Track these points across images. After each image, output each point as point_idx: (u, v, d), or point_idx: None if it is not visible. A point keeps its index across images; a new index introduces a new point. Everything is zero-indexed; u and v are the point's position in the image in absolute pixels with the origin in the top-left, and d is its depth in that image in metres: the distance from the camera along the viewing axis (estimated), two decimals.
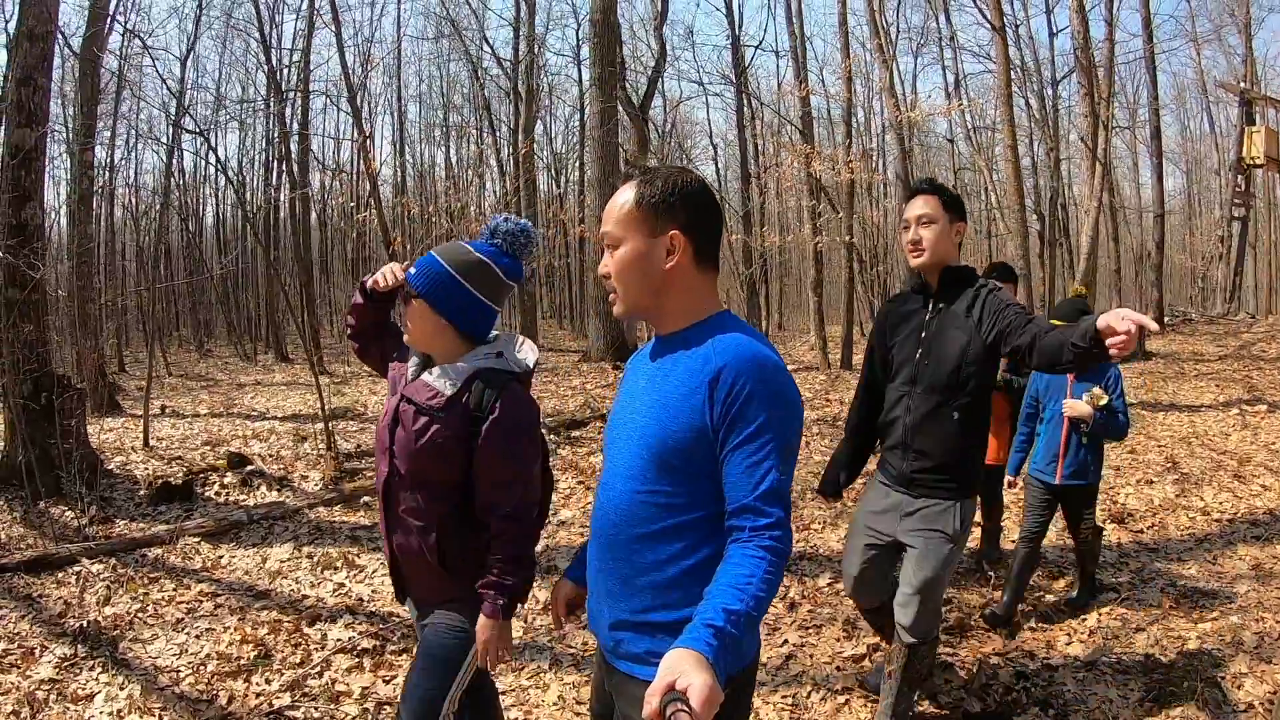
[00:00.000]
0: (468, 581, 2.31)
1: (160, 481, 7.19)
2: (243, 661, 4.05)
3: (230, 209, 32.78)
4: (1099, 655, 3.87)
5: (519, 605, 2.36)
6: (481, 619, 2.28)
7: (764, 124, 26.00)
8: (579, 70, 29.50)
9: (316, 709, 3.62)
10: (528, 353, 2.42)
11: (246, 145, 31.50)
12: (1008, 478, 4.62)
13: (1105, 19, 14.60)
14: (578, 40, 26.68)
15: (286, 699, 3.70)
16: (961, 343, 3.04)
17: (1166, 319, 20.31)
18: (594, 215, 15.71)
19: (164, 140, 28.85)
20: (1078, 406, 4.10)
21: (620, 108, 16.82)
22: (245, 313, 29.98)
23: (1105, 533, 5.07)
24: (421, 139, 35.75)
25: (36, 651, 4.23)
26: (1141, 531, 5.65)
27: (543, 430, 2.52)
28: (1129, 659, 3.84)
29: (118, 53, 19.23)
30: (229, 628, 4.44)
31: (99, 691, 3.82)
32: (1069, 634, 4.15)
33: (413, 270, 2.32)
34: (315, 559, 5.51)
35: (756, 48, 23.34)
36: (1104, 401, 4.06)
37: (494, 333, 2.46)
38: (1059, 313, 4.45)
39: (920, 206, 3.20)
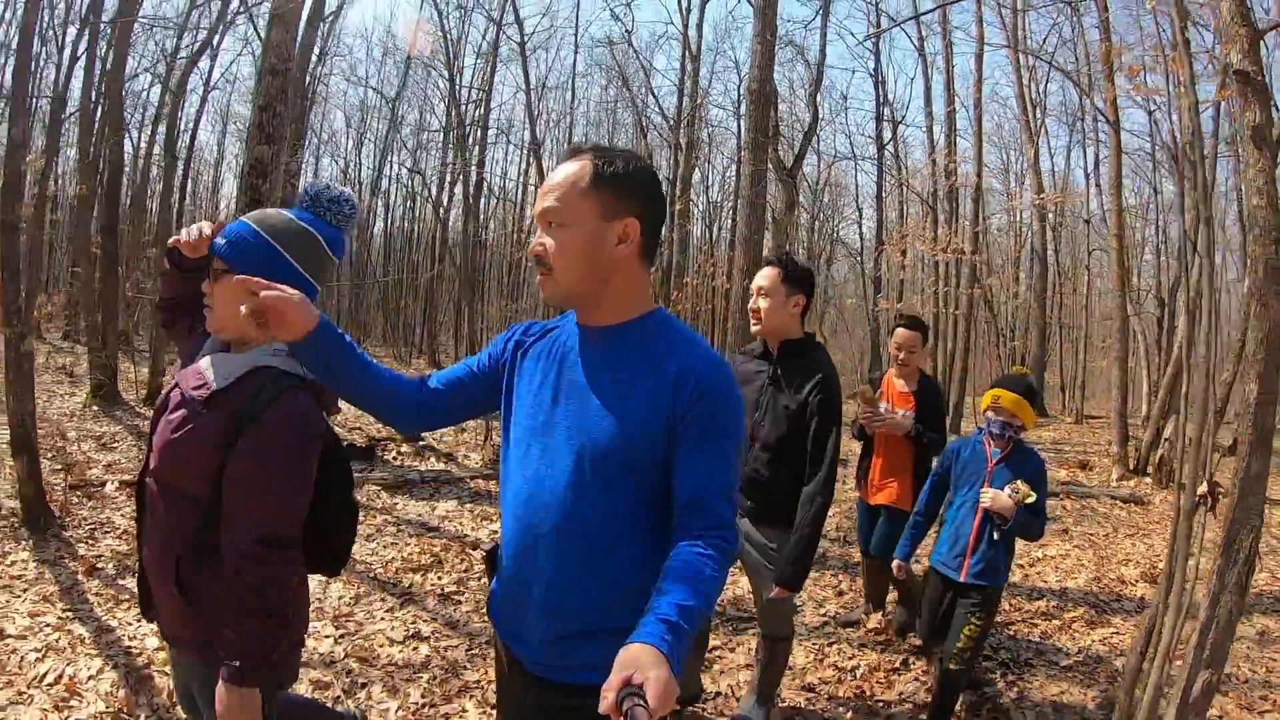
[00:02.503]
0: (212, 622, 1.94)
1: (346, 443, 8.89)
2: (421, 562, 5.53)
3: (396, 221, 35.66)
4: None
5: (272, 673, 1.95)
6: (221, 686, 1.87)
7: (908, 190, 26.88)
8: (737, 124, 30.98)
9: (476, 597, 4.99)
10: None
11: (419, 164, 34.25)
12: (895, 562, 4.09)
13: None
14: (738, 95, 28.05)
15: (453, 588, 5.13)
16: (793, 413, 3.37)
17: None
18: (741, 269, 16.82)
19: (343, 153, 32.32)
20: (999, 499, 3.59)
21: (771, 170, 18.10)
22: (404, 319, 32.48)
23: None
24: None
25: None
26: None
27: (344, 457, 2.24)
28: None
29: (313, 73, 21.78)
30: (409, 543, 5.95)
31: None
32: None
33: (222, 242, 1.98)
34: (475, 513, 6.96)
35: (898, 124, 23.96)
36: (1031, 500, 3.57)
37: None
38: (1001, 382, 3.91)
39: (760, 278, 3.49)
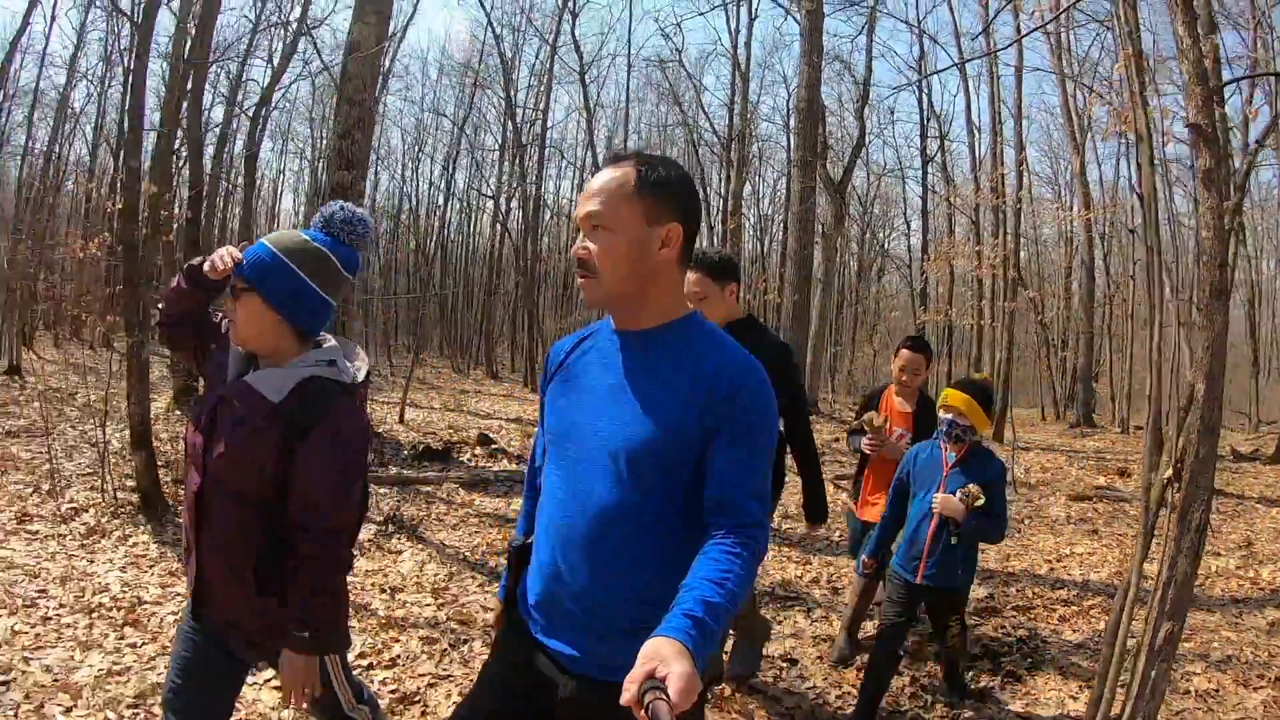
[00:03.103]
0: (277, 611, 2.17)
1: (422, 445, 9.64)
2: (502, 547, 6.15)
3: (452, 236, 36.68)
4: None
5: (335, 642, 2.23)
6: (286, 654, 2.14)
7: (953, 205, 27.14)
8: (787, 137, 31.45)
9: None
10: (360, 364, 2.31)
11: (475, 181, 35.18)
12: (862, 558, 4.08)
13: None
14: (787, 109, 28.52)
15: None
16: None
17: None
18: (791, 284, 17.27)
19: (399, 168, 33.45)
20: (950, 503, 3.66)
21: (820, 184, 18.62)
22: (462, 332, 33.44)
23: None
24: None
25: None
26: None
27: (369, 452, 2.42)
28: None
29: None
30: (490, 532, 6.62)
31: (404, 550, 6.07)
32: None
33: (243, 262, 2.16)
34: None
35: (943, 137, 24.23)
36: (980, 502, 3.62)
37: (329, 340, 2.33)
38: (955, 383, 4.04)
39: (691, 285, 3.57)
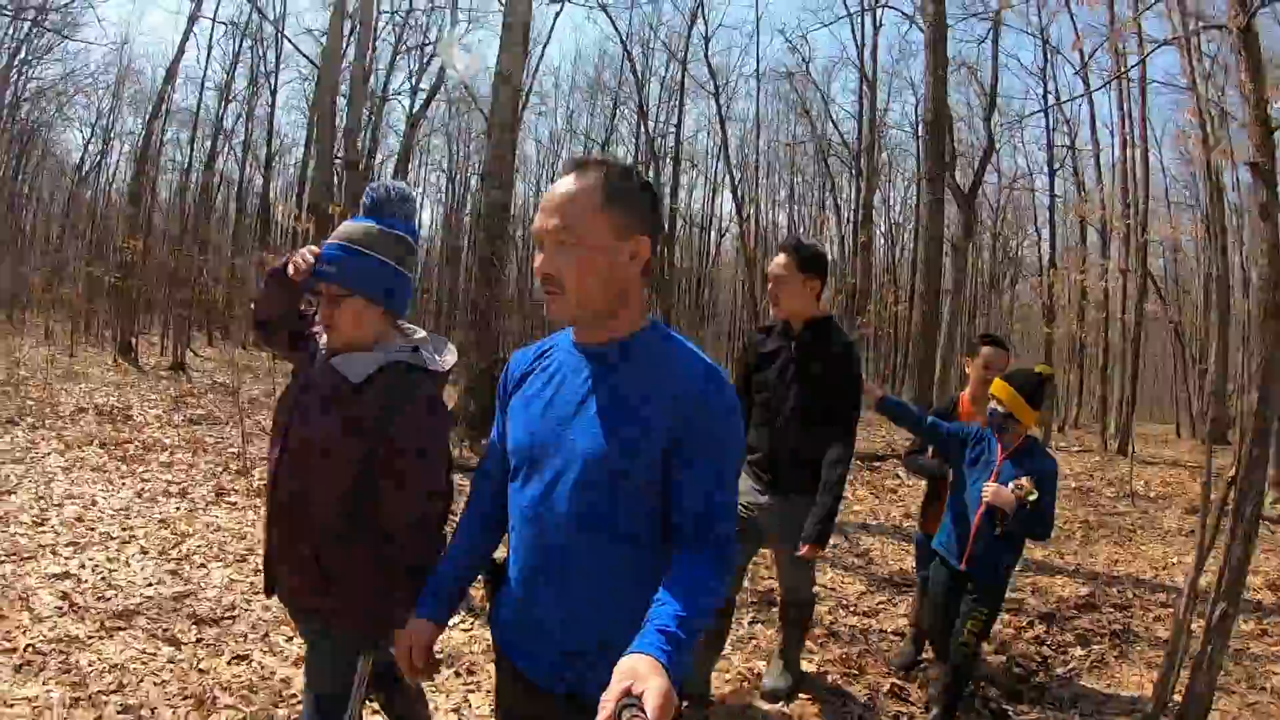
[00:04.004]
0: (348, 593, 2.20)
1: None
2: None
3: None
4: None
5: None
6: (397, 632, 2.06)
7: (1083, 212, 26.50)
8: (917, 145, 31.14)
9: None
10: (448, 355, 2.33)
11: None
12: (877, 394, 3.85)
13: None
14: (915, 115, 28.44)
15: None
16: (815, 386, 3.56)
17: None
18: (921, 295, 17.37)
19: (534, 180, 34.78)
20: (1001, 494, 3.57)
21: (949, 193, 18.62)
22: None
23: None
24: (768, 202, 38.36)
25: None
26: None
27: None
28: None
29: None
30: None
31: None
32: None
33: (331, 268, 2.19)
34: None
35: (1068, 148, 23.77)
36: (1033, 496, 3.52)
37: (419, 330, 2.39)
38: (1006, 375, 3.91)
39: (775, 266, 3.63)
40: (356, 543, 2.19)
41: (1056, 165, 24.01)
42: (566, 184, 1.67)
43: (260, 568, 2.37)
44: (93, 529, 5.74)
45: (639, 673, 1.31)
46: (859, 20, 24.74)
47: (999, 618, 4.34)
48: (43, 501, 6.24)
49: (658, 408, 1.63)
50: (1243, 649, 5.27)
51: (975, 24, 20.70)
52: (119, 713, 3.37)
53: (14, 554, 5.03)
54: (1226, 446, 18.84)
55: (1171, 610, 5.86)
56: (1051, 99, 22.02)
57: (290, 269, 2.29)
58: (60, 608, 4.32)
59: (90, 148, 32.52)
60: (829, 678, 4.36)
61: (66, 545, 5.33)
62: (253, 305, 2.52)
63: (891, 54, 33.40)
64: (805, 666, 4.30)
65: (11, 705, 3.31)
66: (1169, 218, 22.22)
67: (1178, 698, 3.65)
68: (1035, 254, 33.03)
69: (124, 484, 7.08)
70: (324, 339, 2.33)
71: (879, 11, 25.00)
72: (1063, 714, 4.17)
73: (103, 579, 4.80)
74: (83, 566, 4.98)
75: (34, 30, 22.37)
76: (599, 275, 1.65)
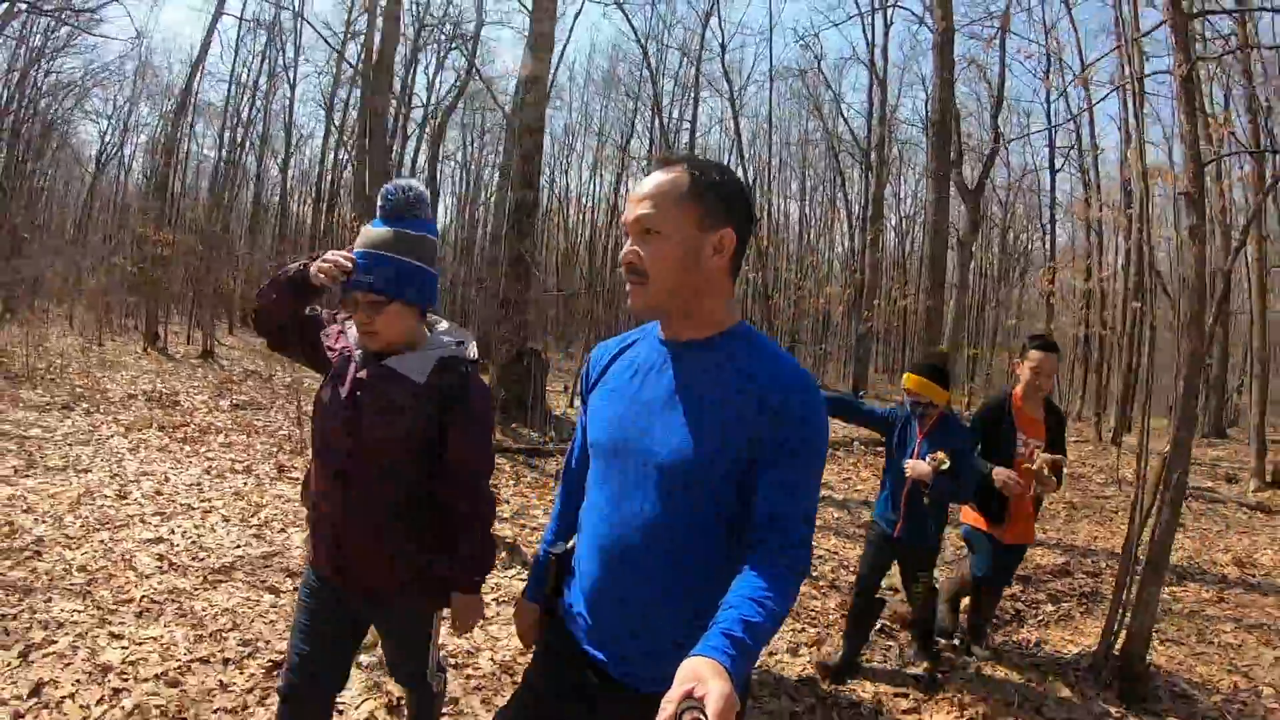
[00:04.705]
0: (418, 565, 2.41)
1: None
2: None
3: (600, 238, 38.37)
4: None
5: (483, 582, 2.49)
6: (462, 597, 2.43)
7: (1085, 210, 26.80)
8: (926, 140, 31.30)
9: None
10: (471, 345, 2.49)
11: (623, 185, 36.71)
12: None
13: None
14: (925, 111, 28.87)
15: None
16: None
17: None
18: (925, 289, 17.91)
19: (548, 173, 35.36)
20: (918, 467, 4.06)
21: (955, 190, 19.18)
22: (610, 326, 34.88)
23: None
24: (778, 191, 38.81)
25: (526, 478, 7.98)
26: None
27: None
28: None
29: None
30: None
31: None
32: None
33: (368, 277, 2.29)
34: None
35: (1070, 149, 24.12)
36: (945, 466, 3.97)
37: (443, 321, 2.54)
38: (911, 366, 4.42)
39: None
40: (422, 522, 2.40)
41: (1058, 166, 24.34)
42: (655, 177, 1.70)
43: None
44: (172, 501, 6.44)
45: (701, 675, 1.30)
46: (870, 19, 25.26)
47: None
48: (118, 479, 6.91)
49: (740, 410, 1.63)
50: (1199, 611, 5.96)
51: (984, 22, 21.10)
52: (239, 645, 4.04)
53: (106, 523, 5.70)
54: (1223, 440, 19.45)
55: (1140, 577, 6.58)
56: (1056, 94, 22.34)
57: (316, 274, 2.38)
58: (160, 566, 5.00)
59: (106, 139, 33.19)
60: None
61: (153, 515, 6.02)
62: (254, 313, 2.57)
63: (903, 49, 33.73)
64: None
65: (141, 644, 3.97)
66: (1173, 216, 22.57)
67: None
68: (1042, 250, 33.37)
69: (190, 462, 7.78)
70: (352, 339, 2.49)
71: (890, 11, 25.49)
72: (1026, 653, 4.87)
73: (193, 543, 5.48)
74: (172, 533, 5.66)
75: (55, 25, 22.70)
76: (682, 266, 1.67)
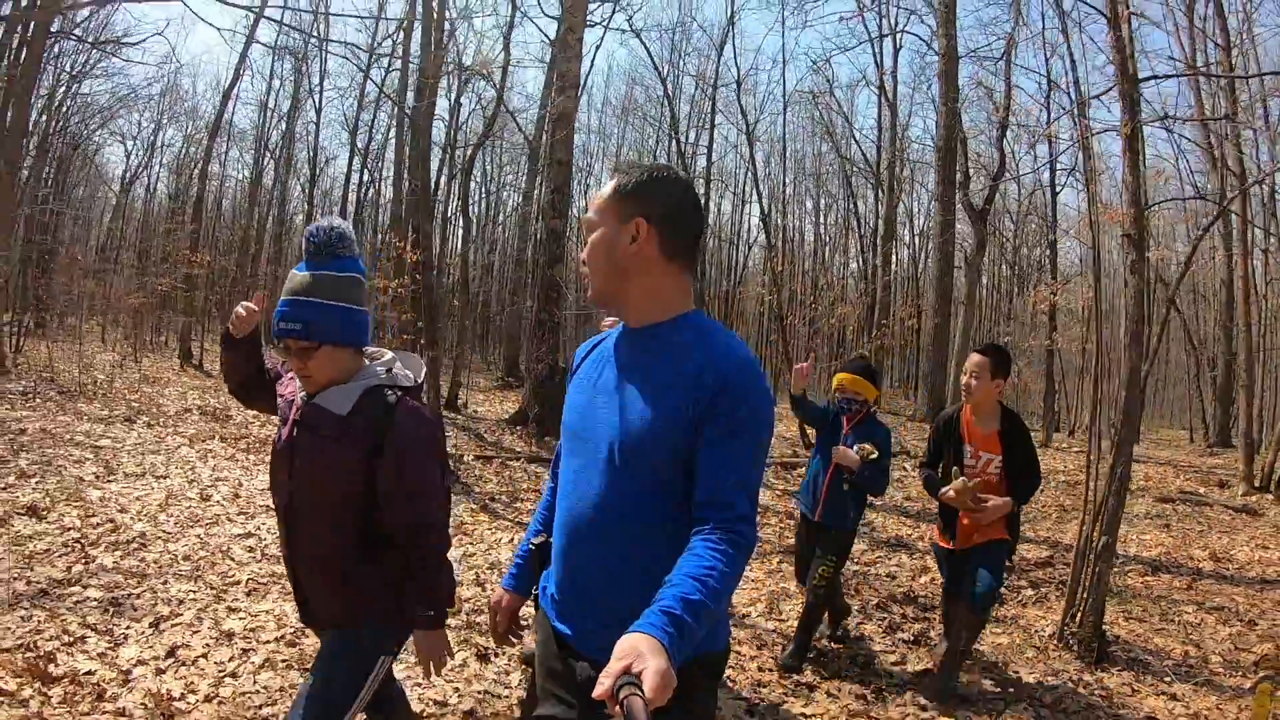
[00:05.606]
0: (372, 600, 2.36)
1: None
2: None
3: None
4: None
5: (448, 611, 2.39)
6: (419, 633, 2.33)
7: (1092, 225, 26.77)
8: (936, 161, 31.56)
9: None
10: (416, 367, 2.46)
11: None
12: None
13: None
14: (935, 129, 29.36)
15: None
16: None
17: None
18: (933, 307, 18.53)
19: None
20: (848, 455, 4.27)
21: (962, 210, 19.83)
22: None
23: None
24: (793, 213, 39.35)
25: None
26: None
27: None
28: None
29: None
30: None
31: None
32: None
33: (294, 325, 2.27)
34: None
35: (1069, 173, 24.41)
36: (874, 456, 4.24)
37: (385, 352, 2.51)
38: (842, 366, 4.68)
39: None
40: (371, 553, 2.38)
41: (1058, 188, 24.71)
42: (601, 188, 1.86)
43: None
44: (250, 503, 7.19)
45: (639, 651, 1.32)
46: (879, 45, 25.96)
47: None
48: (196, 484, 7.64)
49: (682, 389, 1.70)
50: (1167, 596, 6.66)
51: (991, 44, 21.60)
52: None
53: (197, 520, 6.45)
54: (1226, 450, 19.80)
55: (1116, 571, 7.25)
56: (1034, 140, 22.73)
57: (231, 329, 2.52)
58: (254, 556, 5.75)
59: (132, 160, 33.86)
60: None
61: (237, 514, 6.78)
62: (223, 374, 2.69)
63: (913, 68, 34.29)
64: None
65: (255, 616, 4.69)
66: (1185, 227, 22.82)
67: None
68: (1048, 268, 33.58)
69: (258, 470, 8.52)
70: (297, 385, 2.48)
71: (898, 36, 26.21)
72: (999, 627, 5.61)
73: (279, 538, 6.19)
74: (258, 529, 6.41)
75: (89, 49, 22.97)
76: (605, 255, 1.81)
